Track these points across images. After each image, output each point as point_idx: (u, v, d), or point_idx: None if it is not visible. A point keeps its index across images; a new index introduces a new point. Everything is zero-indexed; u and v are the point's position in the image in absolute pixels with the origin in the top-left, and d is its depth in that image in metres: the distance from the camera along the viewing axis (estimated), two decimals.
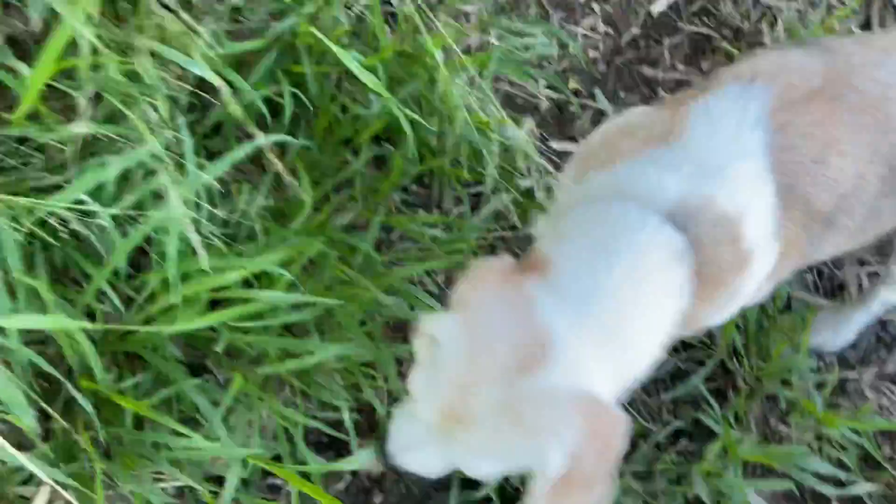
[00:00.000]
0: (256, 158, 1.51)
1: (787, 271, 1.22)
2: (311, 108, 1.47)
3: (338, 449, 1.49)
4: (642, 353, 1.06)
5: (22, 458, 0.96)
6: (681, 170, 1.08)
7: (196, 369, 1.36)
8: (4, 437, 0.98)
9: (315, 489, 1.22)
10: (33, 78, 1.10)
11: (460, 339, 0.97)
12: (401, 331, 1.54)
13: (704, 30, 2.07)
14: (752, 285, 1.14)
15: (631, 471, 1.52)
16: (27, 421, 1.00)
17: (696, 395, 1.64)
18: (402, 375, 1.46)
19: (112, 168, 1.10)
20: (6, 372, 0.98)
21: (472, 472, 1.03)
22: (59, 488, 1.05)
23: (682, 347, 1.67)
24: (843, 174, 1.13)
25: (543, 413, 0.95)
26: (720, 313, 1.17)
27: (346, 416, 1.38)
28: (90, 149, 1.24)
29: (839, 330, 1.77)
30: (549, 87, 1.94)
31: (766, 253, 1.12)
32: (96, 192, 1.14)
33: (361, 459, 1.47)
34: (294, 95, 1.42)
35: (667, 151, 1.11)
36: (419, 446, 1.05)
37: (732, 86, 1.16)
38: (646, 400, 1.64)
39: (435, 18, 1.57)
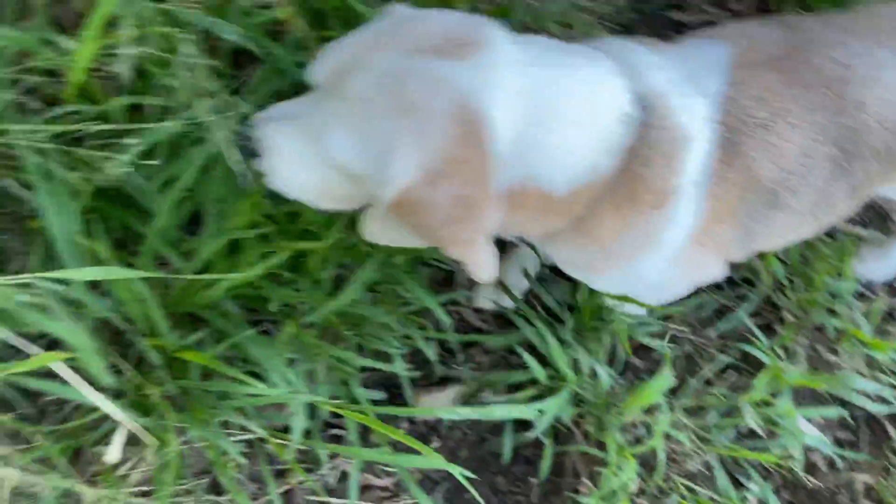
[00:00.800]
0: None
1: (726, 244, 1.18)
2: None
3: (392, 400, 1.54)
4: (548, 143, 0.99)
5: (99, 399, 1.01)
6: (661, 73, 1.08)
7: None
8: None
9: (380, 424, 1.27)
10: (80, 52, 1.15)
11: (408, 12, 0.98)
12: (449, 283, 1.59)
13: None
14: (671, 236, 1.12)
15: (681, 405, 1.54)
16: (97, 367, 1.05)
17: (742, 330, 1.65)
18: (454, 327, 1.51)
19: (165, 129, 1.16)
20: (75, 321, 1.04)
21: (327, 148, 0.97)
22: (136, 429, 1.10)
23: (725, 285, 1.69)
24: (788, 146, 1.10)
25: (426, 99, 0.91)
26: (626, 248, 1.13)
27: (399, 364, 1.43)
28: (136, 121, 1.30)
29: (885, 260, 1.76)
30: None
31: (691, 202, 1.09)
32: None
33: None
34: None
35: (646, 54, 1.11)
36: (285, 121, 1.00)
37: (701, 39, 1.17)
38: (692, 338, 1.66)
39: None
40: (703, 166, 1.08)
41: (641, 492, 1.50)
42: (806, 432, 1.55)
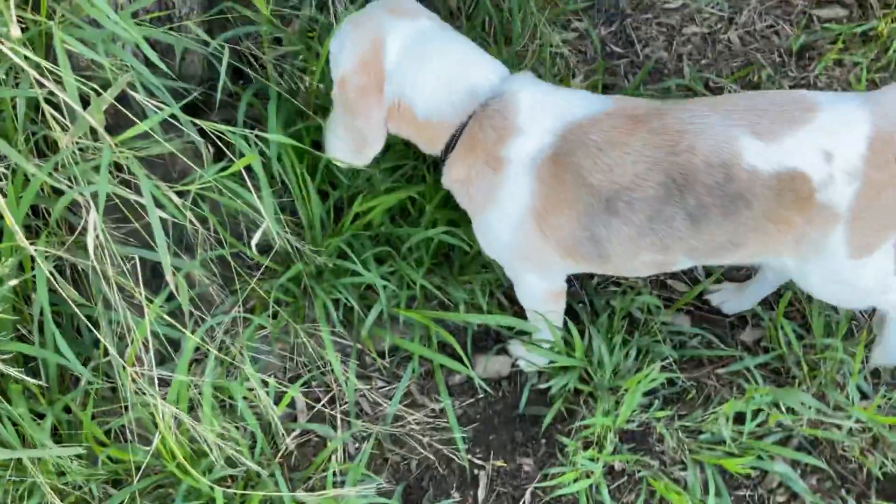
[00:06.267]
0: None
1: (571, 241, 1.60)
2: None
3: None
4: (412, 77, 1.59)
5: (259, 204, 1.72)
6: (532, 88, 1.60)
7: None
8: None
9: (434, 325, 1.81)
10: None
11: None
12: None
13: None
14: (509, 201, 1.58)
15: (679, 424, 1.88)
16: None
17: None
18: None
19: None
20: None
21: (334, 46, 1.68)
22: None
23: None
24: (619, 166, 1.50)
25: (368, 27, 1.60)
26: (479, 196, 1.63)
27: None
28: None
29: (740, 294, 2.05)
30: None
31: (522, 177, 1.56)
32: None
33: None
34: None
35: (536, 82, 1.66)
36: None
37: (600, 96, 1.66)
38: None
39: None
40: (533, 156, 1.56)
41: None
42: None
